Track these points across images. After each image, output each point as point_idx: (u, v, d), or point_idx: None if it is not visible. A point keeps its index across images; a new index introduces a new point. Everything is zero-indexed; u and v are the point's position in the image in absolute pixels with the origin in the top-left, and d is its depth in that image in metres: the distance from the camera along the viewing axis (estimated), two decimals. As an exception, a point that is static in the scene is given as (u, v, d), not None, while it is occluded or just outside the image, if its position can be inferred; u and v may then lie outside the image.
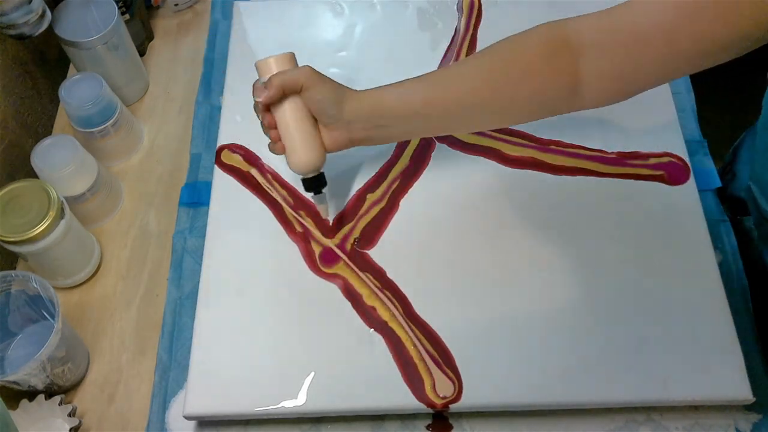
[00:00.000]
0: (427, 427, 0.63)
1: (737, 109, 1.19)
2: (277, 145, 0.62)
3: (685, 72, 0.55)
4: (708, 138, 0.79)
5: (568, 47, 0.56)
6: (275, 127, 0.61)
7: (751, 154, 0.72)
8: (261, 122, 0.63)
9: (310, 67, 0.60)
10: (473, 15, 0.85)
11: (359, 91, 0.61)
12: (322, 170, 0.64)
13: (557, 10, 0.83)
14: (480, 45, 0.82)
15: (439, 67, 0.81)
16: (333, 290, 0.67)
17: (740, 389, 0.61)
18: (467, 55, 0.82)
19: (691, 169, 0.72)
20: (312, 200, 0.69)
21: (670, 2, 0.50)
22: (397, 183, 0.73)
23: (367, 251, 0.69)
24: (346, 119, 0.60)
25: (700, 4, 0.48)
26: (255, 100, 0.61)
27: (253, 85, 0.62)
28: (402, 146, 0.75)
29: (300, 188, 0.73)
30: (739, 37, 0.48)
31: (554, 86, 0.57)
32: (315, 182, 0.64)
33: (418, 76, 0.61)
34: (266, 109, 0.61)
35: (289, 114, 0.60)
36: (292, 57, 0.61)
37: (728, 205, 0.75)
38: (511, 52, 0.58)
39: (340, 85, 0.61)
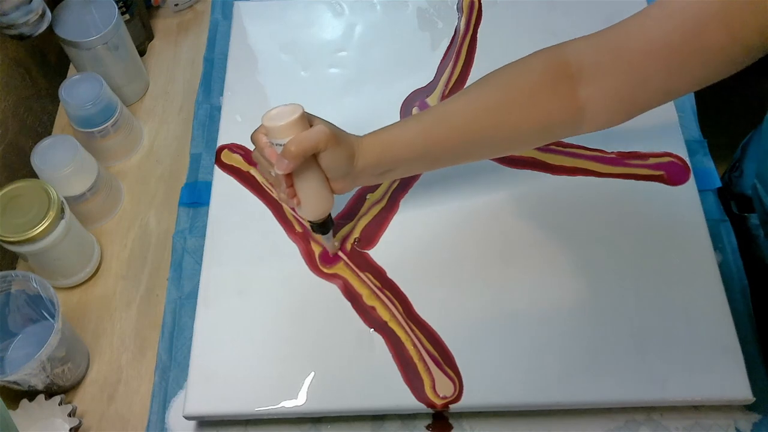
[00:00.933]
0: (427, 427, 0.63)
1: (737, 109, 1.19)
2: (294, 200, 0.60)
3: (688, 89, 0.53)
4: (708, 138, 0.78)
5: (569, 73, 0.55)
6: (292, 186, 0.59)
7: (759, 152, 0.72)
8: (274, 184, 0.61)
9: (324, 126, 0.56)
10: (473, 15, 0.85)
11: (365, 140, 0.59)
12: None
13: (557, 11, 0.83)
14: (480, 45, 0.82)
15: (438, 68, 0.81)
16: (333, 290, 0.67)
17: (740, 389, 0.61)
18: (467, 55, 0.82)
19: (691, 169, 0.72)
20: (321, 239, 0.68)
21: (670, 18, 0.49)
22: (397, 183, 0.73)
23: (367, 251, 0.69)
24: (355, 173, 0.59)
25: (702, 18, 0.47)
26: (275, 171, 0.57)
27: (260, 144, 0.59)
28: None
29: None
30: (743, 48, 0.47)
31: (557, 114, 0.57)
32: (324, 225, 0.64)
33: (421, 114, 0.60)
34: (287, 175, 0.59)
35: (303, 171, 0.58)
36: (303, 116, 0.56)
37: (735, 202, 0.75)
38: (511, 83, 0.58)
39: (350, 139, 0.58)
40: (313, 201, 0.60)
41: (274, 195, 0.61)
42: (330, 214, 0.63)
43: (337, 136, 0.56)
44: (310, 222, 0.64)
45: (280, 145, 0.56)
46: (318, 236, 0.67)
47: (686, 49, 0.49)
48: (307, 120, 0.57)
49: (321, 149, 0.56)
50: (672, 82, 0.52)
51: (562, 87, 0.56)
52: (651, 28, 0.51)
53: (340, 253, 0.69)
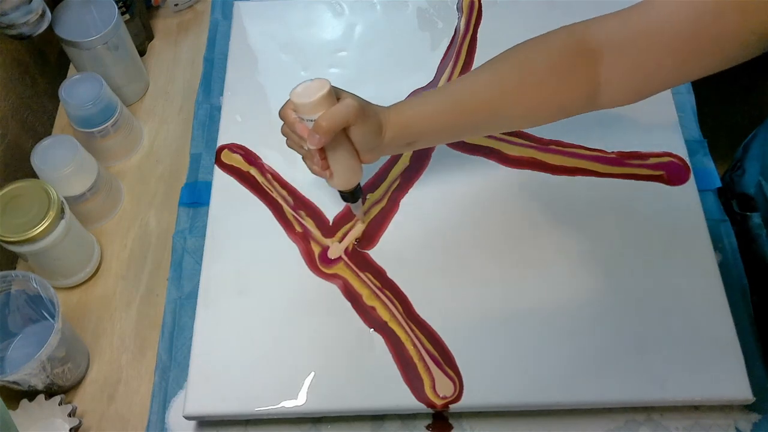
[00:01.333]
0: (427, 427, 0.63)
1: (737, 108, 1.19)
2: (326, 172, 0.62)
3: (702, 73, 0.54)
4: (708, 138, 0.78)
5: (588, 51, 0.56)
6: (325, 158, 0.61)
7: (763, 150, 0.72)
8: (304, 156, 0.62)
9: (353, 100, 0.57)
10: (473, 15, 0.85)
11: (391, 112, 0.60)
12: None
13: (557, 10, 0.83)
14: (480, 45, 0.82)
15: (438, 68, 0.81)
16: (333, 290, 0.67)
17: (740, 389, 0.61)
18: (467, 55, 0.82)
19: (691, 169, 0.72)
20: (351, 208, 0.69)
21: (690, 2, 0.50)
22: (397, 183, 0.73)
23: (367, 251, 0.69)
24: (383, 145, 0.61)
25: (720, 3, 0.48)
26: (307, 146, 0.59)
27: (289, 120, 0.60)
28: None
29: (299, 188, 0.73)
30: (760, 34, 0.48)
31: (575, 90, 0.58)
32: (354, 193, 0.65)
33: (443, 89, 0.62)
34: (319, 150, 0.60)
35: (333, 144, 0.59)
36: (331, 91, 0.57)
37: (737, 201, 0.75)
38: (531, 59, 0.59)
39: (378, 112, 0.60)
40: (344, 172, 0.62)
41: (308, 166, 0.61)
42: (359, 183, 0.65)
43: (365, 109, 0.58)
44: (340, 192, 0.66)
45: (311, 120, 0.57)
46: (351, 206, 0.69)
47: (703, 33, 0.50)
48: (334, 94, 0.58)
49: (351, 123, 0.57)
50: (687, 66, 0.53)
51: (580, 65, 0.57)
52: (670, 12, 0.52)
53: (341, 253, 0.69)
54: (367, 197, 0.72)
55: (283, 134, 0.62)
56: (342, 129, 0.58)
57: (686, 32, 0.51)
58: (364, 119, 0.58)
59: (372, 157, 0.62)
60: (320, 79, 0.58)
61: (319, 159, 0.60)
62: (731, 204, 0.75)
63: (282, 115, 0.60)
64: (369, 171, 0.74)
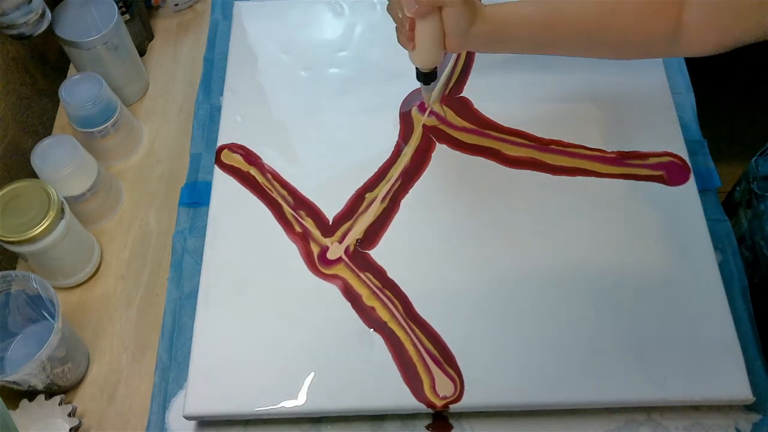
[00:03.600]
0: (427, 427, 0.63)
1: (737, 108, 1.19)
2: (410, 44, 0.66)
3: None
4: (708, 138, 0.79)
5: None
6: (413, 30, 0.65)
7: None
8: (398, 27, 0.66)
9: None
10: (473, 15, 0.85)
11: (487, 7, 0.64)
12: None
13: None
14: (480, 45, 0.82)
15: (438, 66, 0.81)
16: (333, 290, 0.67)
17: (740, 389, 0.61)
18: (467, 55, 0.82)
19: (691, 169, 0.72)
20: (422, 90, 0.74)
21: None
22: (398, 183, 0.73)
23: (368, 251, 0.69)
24: (471, 35, 0.64)
25: None
26: (402, 12, 0.63)
27: None
28: (402, 146, 0.75)
29: (299, 188, 0.73)
30: None
31: (659, 29, 0.62)
32: (429, 76, 0.70)
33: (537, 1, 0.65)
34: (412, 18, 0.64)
35: (425, 20, 0.63)
36: None
37: (757, 184, 0.77)
38: None
39: (476, 1, 0.63)
40: (426, 49, 0.66)
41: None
42: (436, 68, 0.69)
43: None
44: (417, 70, 0.69)
45: None
46: (422, 87, 0.73)
47: None
48: None
49: (448, 3, 0.61)
50: (765, 19, 0.55)
51: (667, 5, 0.60)
52: None
53: (341, 254, 0.69)
54: (366, 197, 0.72)
55: (387, 9, 0.66)
56: (437, 9, 0.61)
57: None
58: (462, 4, 0.61)
59: (456, 45, 0.65)
60: None
61: (408, 29, 0.64)
62: (751, 188, 0.75)
63: None
64: (369, 171, 0.74)
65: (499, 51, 0.70)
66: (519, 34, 0.65)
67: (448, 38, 0.64)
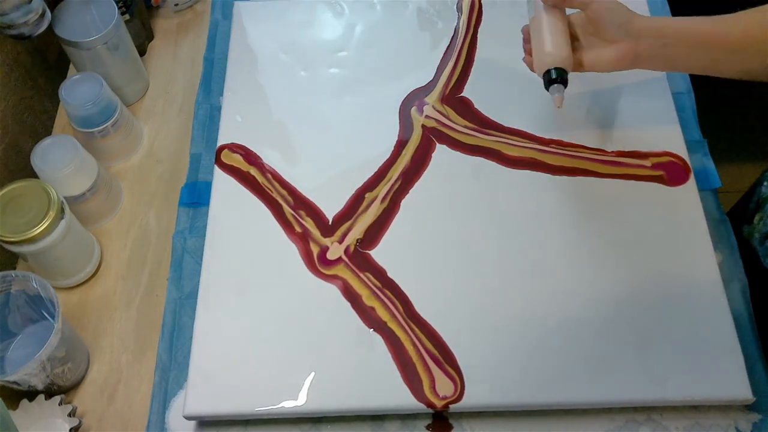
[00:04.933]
0: (427, 427, 0.63)
1: (738, 108, 1.19)
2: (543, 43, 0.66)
3: None
4: (708, 138, 0.79)
5: None
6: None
7: None
8: (533, 18, 0.68)
9: None
10: (473, 15, 0.85)
11: (643, 19, 0.64)
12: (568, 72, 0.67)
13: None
14: (480, 45, 0.82)
15: (437, 68, 0.81)
16: (333, 290, 0.67)
17: (740, 389, 0.61)
18: (467, 55, 0.82)
19: (691, 169, 0.72)
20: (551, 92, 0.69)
21: None
22: (398, 183, 0.73)
23: (368, 252, 0.69)
24: (635, 32, 0.63)
25: None
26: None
27: None
28: (402, 146, 0.75)
29: (299, 188, 0.73)
30: None
31: None
32: (552, 76, 0.67)
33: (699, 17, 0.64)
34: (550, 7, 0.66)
35: (555, 16, 0.66)
36: None
37: None
38: None
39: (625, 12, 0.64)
40: (555, 41, 0.65)
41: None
42: (562, 68, 0.66)
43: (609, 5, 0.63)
44: (548, 74, 0.67)
45: None
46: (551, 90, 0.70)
47: None
48: None
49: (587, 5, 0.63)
50: None
51: None
52: None
53: (341, 254, 0.69)
54: (365, 196, 0.72)
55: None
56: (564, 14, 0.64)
57: None
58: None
59: (622, 50, 0.63)
60: None
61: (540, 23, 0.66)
62: (762, 184, 0.75)
63: None
64: (369, 171, 0.74)
65: (669, 63, 0.66)
66: (688, 37, 0.63)
67: (605, 45, 0.64)
